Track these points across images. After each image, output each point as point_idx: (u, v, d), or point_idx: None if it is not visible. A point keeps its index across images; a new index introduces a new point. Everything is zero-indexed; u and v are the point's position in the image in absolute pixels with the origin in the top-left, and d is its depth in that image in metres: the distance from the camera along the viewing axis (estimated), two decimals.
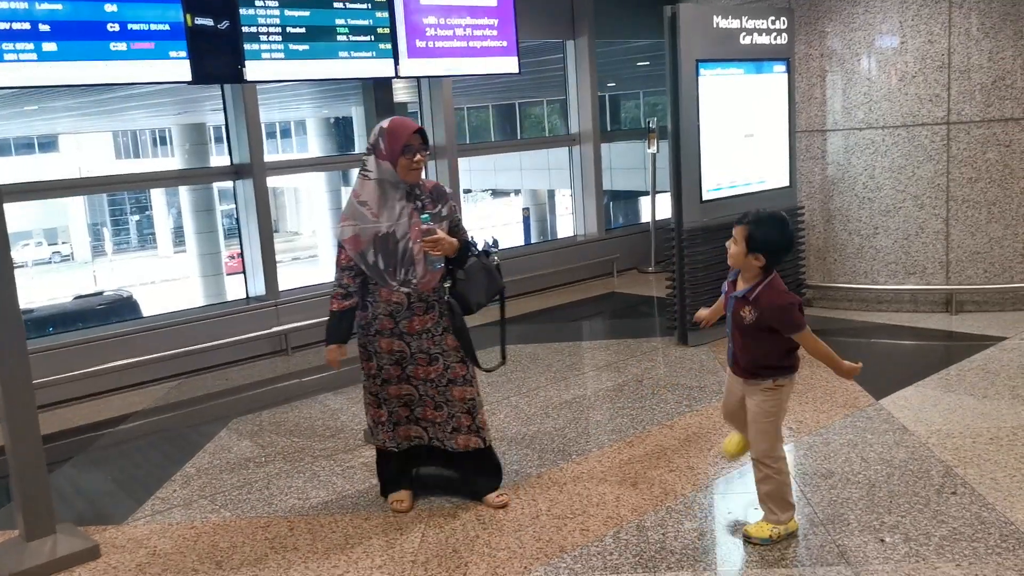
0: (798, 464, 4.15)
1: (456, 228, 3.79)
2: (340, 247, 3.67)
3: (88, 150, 36.77)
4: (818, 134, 6.90)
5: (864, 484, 3.87)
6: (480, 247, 3.83)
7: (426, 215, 3.61)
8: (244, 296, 6.90)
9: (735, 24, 6.16)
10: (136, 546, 3.71)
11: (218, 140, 30.21)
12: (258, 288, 6.74)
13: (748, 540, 3.44)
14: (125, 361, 5.84)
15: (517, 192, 33.79)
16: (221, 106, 6.66)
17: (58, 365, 5.58)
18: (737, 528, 3.59)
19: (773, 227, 3.24)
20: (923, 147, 6.51)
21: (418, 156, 3.58)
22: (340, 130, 28.61)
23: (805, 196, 6.98)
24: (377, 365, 3.74)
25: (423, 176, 3.69)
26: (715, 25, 6.05)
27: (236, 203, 6.74)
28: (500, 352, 4.00)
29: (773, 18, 6.41)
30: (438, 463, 3.94)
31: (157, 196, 39.55)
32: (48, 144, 37.86)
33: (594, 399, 5.26)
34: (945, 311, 6.67)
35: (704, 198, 6.14)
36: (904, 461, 4.09)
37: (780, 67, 6.57)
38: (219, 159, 22.39)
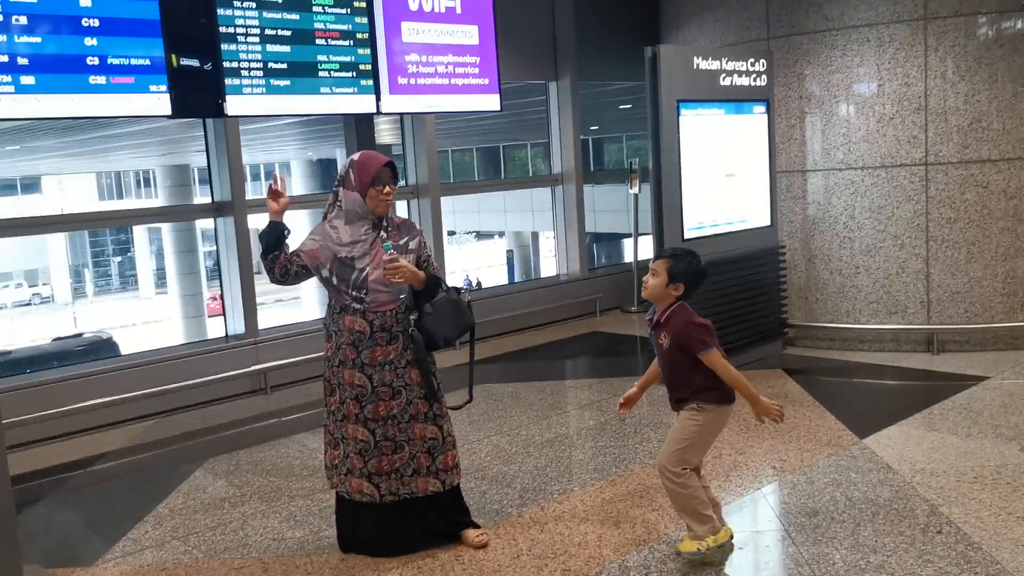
0: (782, 503, 4.11)
1: (425, 263, 3.77)
2: (295, 253, 3.68)
3: (71, 191, 36.69)
4: (798, 174, 6.96)
5: (849, 523, 3.83)
6: (453, 285, 3.81)
7: (388, 244, 3.64)
8: (224, 334, 6.82)
9: (715, 65, 6.24)
10: None
11: (203, 182, 30.25)
12: (238, 326, 6.67)
13: (680, 554, 3.50)
14: (100, 400, 5.74)
15: (501, 234, 33.90)
16: (204, 145, 6.65)
17: (33, 404, 5.47)
18: (719, 567, 3.53)
19: (691, 260, 3.55)
20: (902, 187, 6.57)
21: (387, 188, 3.61)
22: (324, 171, 28.66)
23: (786, 235, 7.02)
24: (339, 399, 3.68)
25: (391, 210, 3.69)
26: (695, 66, 6.12)
27: (217, 241, 6.70)
28: (468, 389, 3.93)
29: (752, 60, 6.50)
30: (392, 528, 3.75)
31: (140, 237, 39.40)
32: (30, 185, 37.74)
33: (576, 438, 5.21)
34: (927, 350, 6.68)
35: (686, 236, 6.15)
36: (889, 500, 4.05)
37: (760, 108, 6.65)
38: (203, 200, 22.40)
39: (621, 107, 14.33)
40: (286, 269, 3.67)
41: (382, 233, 3.67)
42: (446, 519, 3.82)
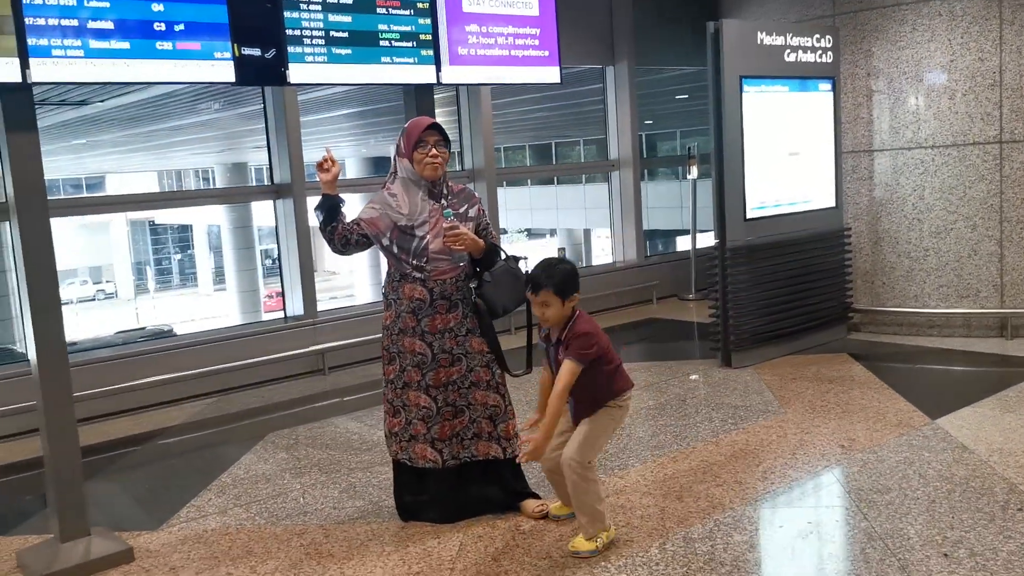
0: (851, 480, 3.98)
1: (484, 232, 3.74)
2: (355, 221, 3.66)
3: (134, 189, 37.51)
4: (865, 154, 6.76)
5: (923, 500, 3.69)
6: (511, 254, 3.76)
7: (448, 211, 3.60)
8: (282, 316, 6.88)
9: (779, 41, 6.09)
10: (170, 550, 3.63)
11: (259, 180, 30.69)
12: (296, 308, 6.71)
13: (577, 554, 3.34)
14: (163, 376, 5.81)
15: (553, 232, 33.76)
16: (263, 141, 6.73)
17: (100, 380, 5.57)
18: (790, 540, 3.43)
19: (559, 266, 3.35)
20: (975, 167, 6.35)
21: (433, 151, 3.57)
22: (377, 168, 28.88)
23: (852, 218, 6.83)
24: (399, 367, 3.66)
25: (440, 172, 3.62)
26: (759, 42, 5.98)
27: (276, 223, 6.75)
28: (526, 359, 3.87)
29: (818, 36, 6.33)
30: (453, 493, 3.74)
31: (199, 234, 40.20)
32: (95, 185, 38.72)
33: (635, 417, 5.12)
34: (1000, 335, 6.45)
35: (748, 216, 6.02)
36: (965, 478, 3.90)
37: (825, 85, 6.48)
38: (259, 203, 22.63)
39: (678, 97, 14.13)
40: (346, 239, 3.65)
41: (442, 201, 3.65)
42: (505, 488, 3.78)
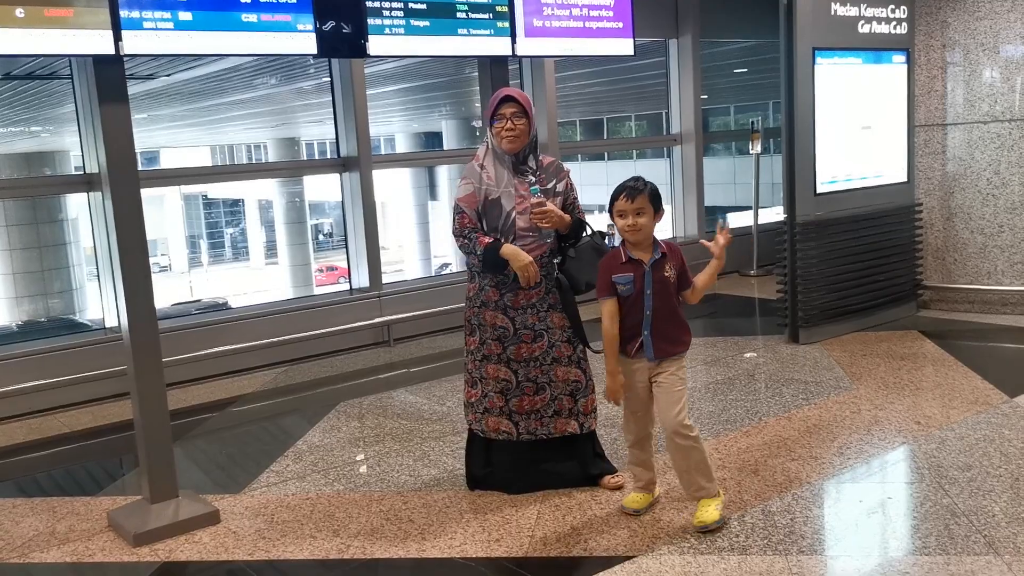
0: (930, 457, 3.93)
1: (571, 206, 3.71)
2: (460, 213, 3.62)
3: (188, 163, 38.08)
4: (938, 128, 6.61)
5: (1007, 477, 3.64)
6: (597, 230, 3.75)
7: (536, 187, 3.57)
8: (348, 288, 6.97)
9: (853, 12, 5.97)
10: (254, 513, 3.73)
11: (309, 155, 30.96)
12: (362, 280, 6.79)
13: (707, 530, 3.26)
14: (232, 346, 5.92)
15: (602, 208, 33.62)
16: (318, 116, 6.78)
17: (172, 348, 5.69)
18: (872, 514, 3.41)
19: (649, 182, 3.28)
20: None
21: (509, 123, 3.55)
22: (428, 143, 28.97)
23: (923, 193, 6.69)
24: (479, 339, 3.68)
25: (518, 144, 3.57)
26: (832, 12, 5.87)
27: (343, 196, 6.82)
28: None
29: (893, 6, 6.19)
30: (521, 466, 3.75)
31: (251, 208, 40.72)
32: (151, 159, 39.39)
33: (704, 392, 5.11)
34: None
35: (819, 191, 5.94)
36: None
37: (900, 57, 6.34)
38: (309, 178, 22.84)
39: (735, 71, 13.91)
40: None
41: (530, 176, 3.63)
42: (581, 464, 3.79)
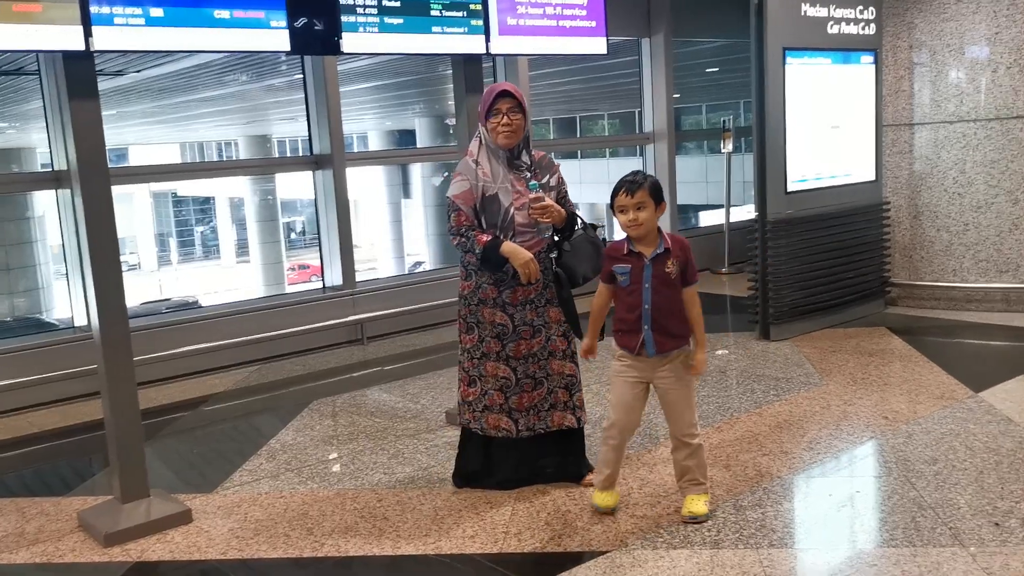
0: (897, 451, 4.00)
1: (563, 200, 3.72)
2: (456, 210, 3.59)
3: (158, 161, 37.69)
4: (905, 128, 6.71)
5: (972, 471, 3.71)
6: (588, 222, 3.76)
7: (534, 183, 3.58)
8: (321, 286, 6.94)
9: (823, 12, 6.05)
10: (227, 513, 3.72)
11: (281, 152, 30.74)
12: (336, 278, 6.77)
13: (696, 521, 3.34)
14: (205, 344, 5.88)
15: (576, 206, 33.68)
16: (290, 113, 6.76)
17: (144, 347, 5.64)
18: (841, 508, 3.47)
19: (649, 175, 3.31)
20: (1018, 140, 6.29)
21: (505, 118, 3.55)
22: (401, 141, 28.89)
23: (891, 192, 6.79)
24: (478, 337, 3.67)
25: (514, 139, 3.58)
26: (803, 13, 5.94)
27: (316, 194, 6.79)
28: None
29: (861, 7, 6.28)
30: (517, 461, 3.76)
31: (222, 206, 40.36)
32: (120, 156, 38.93)
33: None
34: None
35: (789, 189, 6.01)
36: (1012, 450, 3.91)
37: (868, 58, 6.43)
38: (281, 176, 22.71)
39: (708, 70, 14.02)
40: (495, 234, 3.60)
41: (526, 173, 3.63)
42: (575, 459, 3.79)
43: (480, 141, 3.66)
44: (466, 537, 3.36)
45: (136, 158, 38.47)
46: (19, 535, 3.62)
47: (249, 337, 6.06)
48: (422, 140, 24.26)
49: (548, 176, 3.69)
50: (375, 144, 31.01)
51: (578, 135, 29.31)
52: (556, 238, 3.66)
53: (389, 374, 5.86)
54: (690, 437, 3.37)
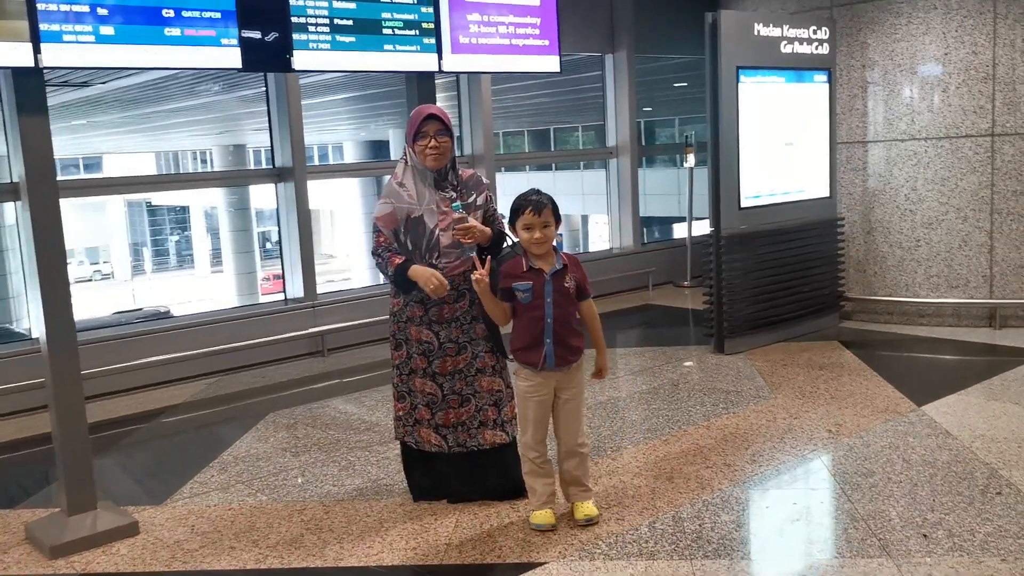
0: (837, 464, 4.10)
1: (491, 218, 3.77)
2: (377, 231, 3.67)
3: (131, 170, 37.50)
4: (859, 145, 6.86)
5: (906, 483, 3.81)
6: (516, 239, 3.82)
7: (457, 204, 3.62)
8: (283, 298, 6.97)
9: (776, 32, 6.17)
10: (175, 524, 3.74)
11: (257, 163, 30.69)
12: (296, 290, 6.81)
13: (592, 522, 3.51)
14: (165, 356, 5.90)
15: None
16: (264, 124, 6.80)
17: (103, 359, 5.66)
18: (776, 520, 3.55)
19: (547, 195, 3.47)
20: (967, 159, 6.45)
21: (433, 141, 3.61)
22: (376, 151, 28.92)
23: (845, 208, 6.93)
24: (406, 353, 3.73)
25: (441, 162, 3.63)
26: (756, 32, 6.06)
27: (277, 206, 6.83)
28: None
29: (814, 28, 6.41)
30: (462, 475, 3.82)
31: (196, 215, 40.18)
32: (93, 165, 38.69)
33: (629, 401, 5.23)
34: (988, 325, 6.56)
35: (743, 205, 6.12)
36: (947, 463, 4.01)
37: (821, 77, 6.57)
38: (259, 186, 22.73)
39: (676, 84, 14.18)
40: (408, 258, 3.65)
41: (451, 192, 3.68)
42: (510, 476, 3.82)
43: (406, 163, 3.70)
44: (408, 548, 3.41)
45: (110, 166, 38.29)
46: None
47: (209, 349, 6.08)
48: (396, 151, 24.30)
49: (475, 195, 3.73)
50: (350, 155, 31.03)
51: (552, 147, 29.47)
52: (483, 256, 3.66)
53: (347, 386, 5.89)
54: (581, 446, 3.55)
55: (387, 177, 3.81)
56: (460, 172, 3.77)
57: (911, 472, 3.93)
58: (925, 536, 3.31)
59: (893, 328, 6.73)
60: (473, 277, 3.44)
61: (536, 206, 3.39)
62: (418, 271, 3.56)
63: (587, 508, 3.54)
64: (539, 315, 3.40)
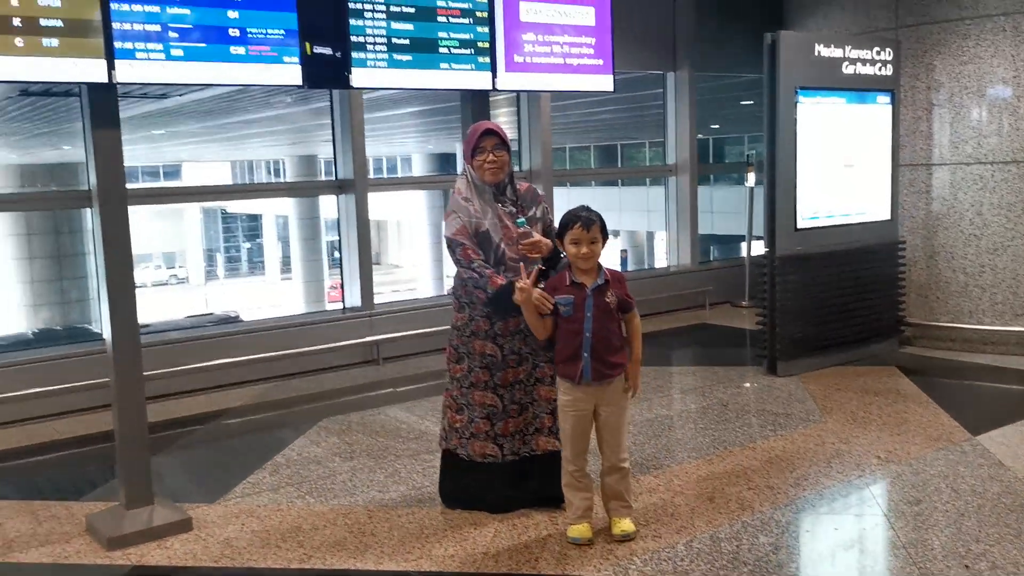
0: (883, 491, 4.05)
1: (548, 230, 3.84)
2: (460, 245, 3.69)
3: (208, 178, 38.66)
4: (923, 168, 6.74)
5: (952, 513, 3.74)
6: None
7: (521, 219, 3.70)
8: (341, 306, 7.15)
9: (838, 53, 6.13)
10: (225, 522, 3.89)
11: (328, 173, 31.35)
12: (355, 299, 6.97)
13: (628, 538, 3.54)
14: (225, 360, 6.10)
15: (616, 234, 33.85)
16: (330, 133, 7.00)
17: (168, 361, 5.88)
18: (815, 544, 3.53)
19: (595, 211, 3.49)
20: None
21: (490, 155, 3.70)
22: (443, 164, 29.28)
23: (907, 231, 6.81)
24: (467, 367, 3.80)
25: (499, 176, 3.72)
26: (816, 53, 6.03)
27: (339, 217, 7.02)
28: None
29: (878, 48, 6.34)
30: (509, 481, 3.87)
31: (268, 224, 41.18)
32: (172, 172, 40.03)
33: (676, 419, 5.24)
34: None
35: (799, 226, 6.07)
36: (997, 495, 3.93)
37: (884, 98, 6.48)
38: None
39: (743, 103, 14.09)
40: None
41: (510, 208, 3.75)
42: (556, 484, 3.87)
43: (467, 179, 3.80)
44: (447, 556, 3.49)
45: (189, 175, 39.55)
46: (31, 536, 3.83)
47: (269, 354, 6.27)
48: (461, 163, 24.58)
49: (534, 208, 3.82)
50: (418, 167, 31.48)
51: (619, 163, 29.48)
52: (541, 268, 3.77)
53: (400, 395, 6.01)
54: (623, 461, 3.57)
55: (451, 190, 3.90)
56: (518, 185, 3.85)
57: (959, 502, 3.86)
58: (967, 567, 3.25)
59: (955, 355, 6.58)
60: (518, 285, 3.49)
61: (585, 222, 3.44)
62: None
63: (625, 524, 3.57)
64: (578, 328, 3.45)
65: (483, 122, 3.90)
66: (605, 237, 3.49)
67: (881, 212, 6.59)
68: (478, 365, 3.78)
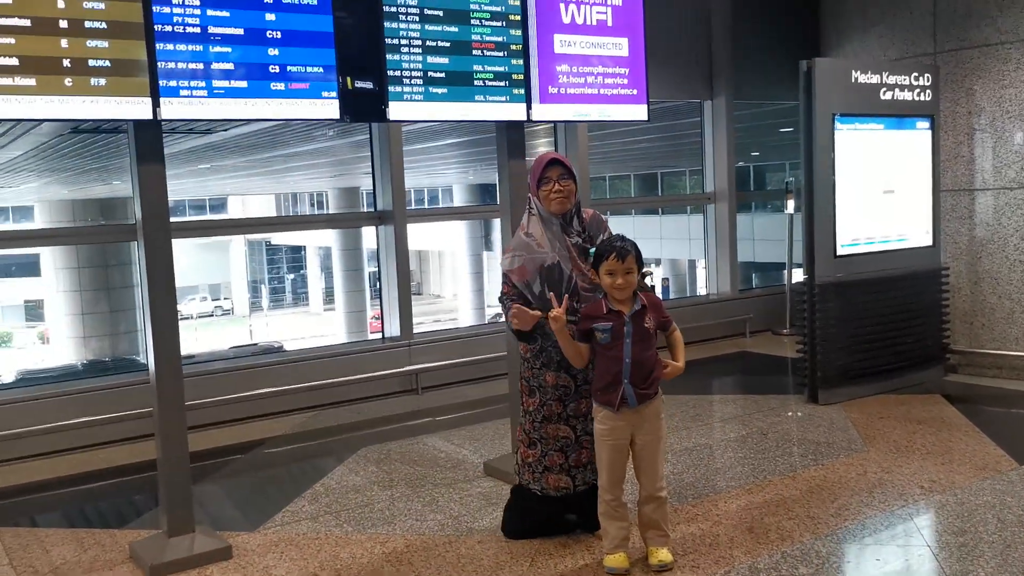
0: (927, 521, 3.97)
1: None
2: (505, 281, 3.77)
3: (253, 210, 39.31)
4: (965, 193, 6.65)
5: (998, 544, 3.66)
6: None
7: (592, 250, 3.69)
8: (380, 336, 7.21)
9: (875, 79, 6.10)
10: (264, 551, 3.93)
11: (369, 205, 31.77)
12: (394, 329, 7.04)
13: (666, 568, 3.52)
14: (266, 390, 6.19)
15: (657, 262, 33.72)
16: (370, 167, 7.12)
17: (210, 391, 5.98)
18: (861, 574, 3.47)
19: (630, 240, 3.53)
20: None
21: (556, 185, 3.73)
22: (483, 194, 29.49)
23: (950, 257, 6.71)
24: (540, 400, 3.80)
25: (567, 205, 3.75)
26: (854, 80, 6.01)
27: (378, 248, 7.11)
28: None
29: (916, 74, 6.30)
30: (575, 508, 3.89)
31: (311, 256, 41.73)
32: (218, 206, 40.80)
33: (716, 448, 5.19)
34: None
35: (839, 253, 6.02)
36: None
37: (924, 124, 6.42)
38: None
39: (782, 130, 14.02)
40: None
41: (576, 239, 3.76)
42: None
43: (531, 212, 3.81)
44: None
45: (234, 208, 40.27)
46: (76, 563, 3.91)
47: (309, 383, 6.35)
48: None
49: (601, 235, 3.81)
50: (459, 197, 31.74)
51: (659, 190, 29.43)
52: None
53: (439, 424, 6.04)
54: (660, 490, 3.56)
55: (496, 220, 3.94)
56: (584, 214, 3.86)
57: (1005, 532, 3.77)
58: None
59: (1001, 383, 6.44)
60: (551, 315, 3.51)
61: (620, 252, 3.46)
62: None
63: (662, 554, 3.55)
64: (618, 355, 3.46)
65: (548, 152, 3.92)
66: (640, 267, 3.50)
67: (922, 238, 6.50)
68: (551, 398, 3.78)
